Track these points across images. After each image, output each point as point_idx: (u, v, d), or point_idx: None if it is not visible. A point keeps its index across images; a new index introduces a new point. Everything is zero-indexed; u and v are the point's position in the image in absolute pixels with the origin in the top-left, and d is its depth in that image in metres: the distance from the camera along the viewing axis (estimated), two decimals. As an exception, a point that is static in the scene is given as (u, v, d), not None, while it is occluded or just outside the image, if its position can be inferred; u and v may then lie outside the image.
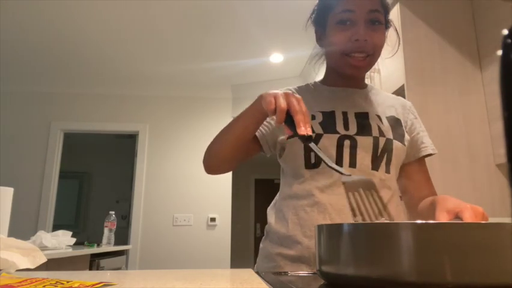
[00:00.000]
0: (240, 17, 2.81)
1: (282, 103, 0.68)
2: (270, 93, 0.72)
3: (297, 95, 0.70)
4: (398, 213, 0.87)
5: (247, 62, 3.57)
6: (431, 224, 0.39)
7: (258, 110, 0.76)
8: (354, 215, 0.60)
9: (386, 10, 0.88)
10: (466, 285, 0.35)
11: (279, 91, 0.73)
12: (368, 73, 2.11)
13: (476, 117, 1.80)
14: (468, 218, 0.60)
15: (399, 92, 1.88)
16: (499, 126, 1.71)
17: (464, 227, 0.39)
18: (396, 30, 0.95)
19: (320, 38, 0.93)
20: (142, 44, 3.23)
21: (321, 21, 0.90)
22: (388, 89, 1.99)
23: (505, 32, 0.24)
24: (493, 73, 1.77)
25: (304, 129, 0.65)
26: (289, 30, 2.91)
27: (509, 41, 0.24)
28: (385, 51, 0.90)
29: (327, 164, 0.65)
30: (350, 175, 0.64)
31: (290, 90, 0.95)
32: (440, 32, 1.90)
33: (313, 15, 0.93)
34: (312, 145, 0.66)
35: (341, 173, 0.64)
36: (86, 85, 4.08)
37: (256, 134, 0.89)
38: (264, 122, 0.89)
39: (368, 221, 0.60)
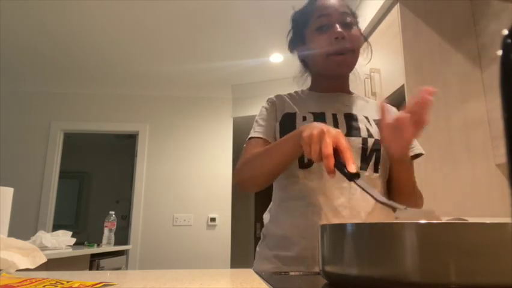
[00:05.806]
0: (240, 17, 2.81)
1: (328, 149, 0.63)
2: (312, 138, 0.65)
3: (333, 130, 0.66)
4: (387, 213, 0.81)
5: (247, 62, 3.57)
6: (435, 224, 0.39)
7: (300, 146, 0.70)
8: None
9: (355, 17, 0.96)
10: (470, 286, 0.35)
11: (316, 130, 0.66)
12: (368, 73, 2.12)
13: (476, 117, 1.80)
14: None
15: (399, 92, 1.88)
16: (499, 126, 1.71)
17: (468, 226, 0.39)
18: (368, 42, 1.04)
19: (302, 51, 0.99)
20: (142, 44, 3.23)
21: (300, 36, 0.97)
22: (388, 89, 1.99)
23: (505, 32, 0.24)
24: (493, 73, 1.76)
25: (354, 167, 0.62)
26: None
27: (509, 41, 0.24)
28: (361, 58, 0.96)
29: (378, 201, 0.60)
30: (405, 208, 0.58)
31: (281, 96, 1.00)
32: (440, 32, 1.90)
33: (291, 35, 1.01)
34: (359, 182, 0.62)
35: (397, 208, 0.58)
36: (86, 85, 4.08)
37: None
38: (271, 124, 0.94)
39: None
